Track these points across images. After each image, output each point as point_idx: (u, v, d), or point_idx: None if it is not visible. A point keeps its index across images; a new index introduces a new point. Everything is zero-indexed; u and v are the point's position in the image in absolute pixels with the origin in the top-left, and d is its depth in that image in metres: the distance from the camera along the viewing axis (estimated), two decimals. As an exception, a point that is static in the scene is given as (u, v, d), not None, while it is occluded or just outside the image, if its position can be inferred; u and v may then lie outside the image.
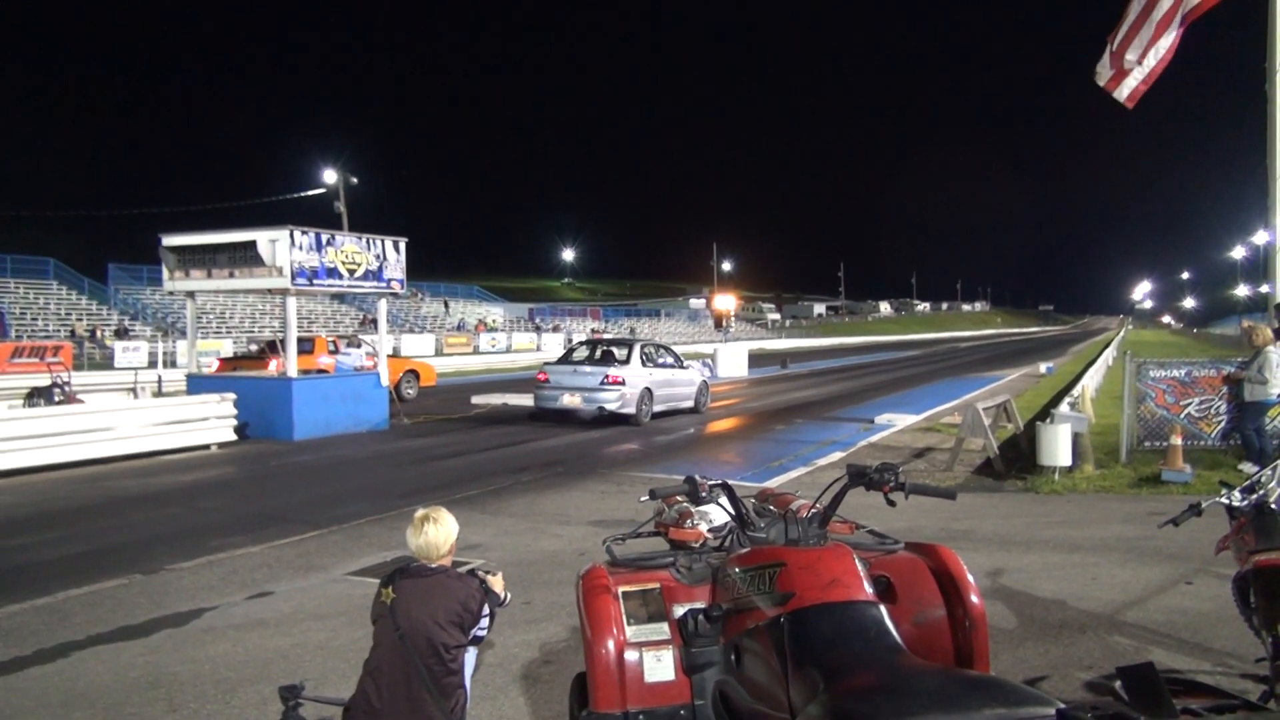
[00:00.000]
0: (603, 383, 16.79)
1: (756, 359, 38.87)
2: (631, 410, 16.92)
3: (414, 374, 22.78)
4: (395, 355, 27.62)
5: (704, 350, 40.68)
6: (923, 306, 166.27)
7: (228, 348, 35.70)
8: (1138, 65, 7.07)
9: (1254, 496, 4.22)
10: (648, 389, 17.41)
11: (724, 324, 44.92)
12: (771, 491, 3.45)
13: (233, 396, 14.52)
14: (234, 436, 14.49)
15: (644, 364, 17.70)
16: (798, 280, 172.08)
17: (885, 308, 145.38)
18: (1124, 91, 7.25)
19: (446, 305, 56.64)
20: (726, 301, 44.43)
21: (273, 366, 18.27)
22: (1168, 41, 6.98)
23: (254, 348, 25.42)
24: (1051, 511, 9.33)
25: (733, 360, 33.95)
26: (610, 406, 16.74)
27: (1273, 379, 10.14)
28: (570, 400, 17.04)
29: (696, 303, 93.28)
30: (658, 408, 17.86)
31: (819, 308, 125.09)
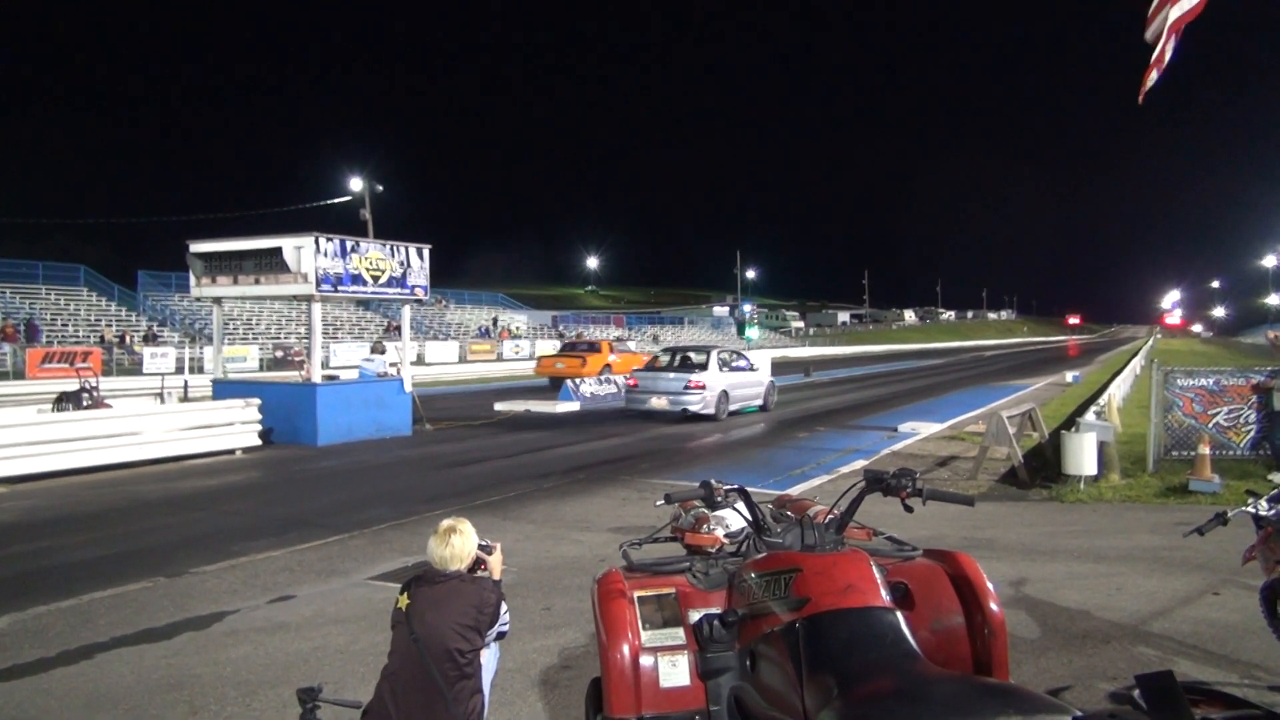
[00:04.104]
0: (686, 387, 18.68)
1: (780, 367, 38.67)
2: (711, 411, 18.77)
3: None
4: (419, 362, 27.75)
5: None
6: (948, 315, 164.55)
7: (254, 354, 36.13)
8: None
9: (1282, 506, 4.16)
10: (724, 391, 19.29)
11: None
12: (789, 498, 3.43)
13: (257, 402, 14.66)
14: (259, 441, 14.62)
15: (720, 369, 19.59)
16: (822, 288, 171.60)
17: (910, 316, 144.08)
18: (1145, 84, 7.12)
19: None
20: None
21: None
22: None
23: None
24: (1076, 521, 9.24)
25: (756, 368, 33.90)
26: (694, 408, 18.61)
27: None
28: (658, 403, 18.97)
29: (720, 310, 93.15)
30: (733, 407, 19.66)
31: (843, 316, 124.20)
